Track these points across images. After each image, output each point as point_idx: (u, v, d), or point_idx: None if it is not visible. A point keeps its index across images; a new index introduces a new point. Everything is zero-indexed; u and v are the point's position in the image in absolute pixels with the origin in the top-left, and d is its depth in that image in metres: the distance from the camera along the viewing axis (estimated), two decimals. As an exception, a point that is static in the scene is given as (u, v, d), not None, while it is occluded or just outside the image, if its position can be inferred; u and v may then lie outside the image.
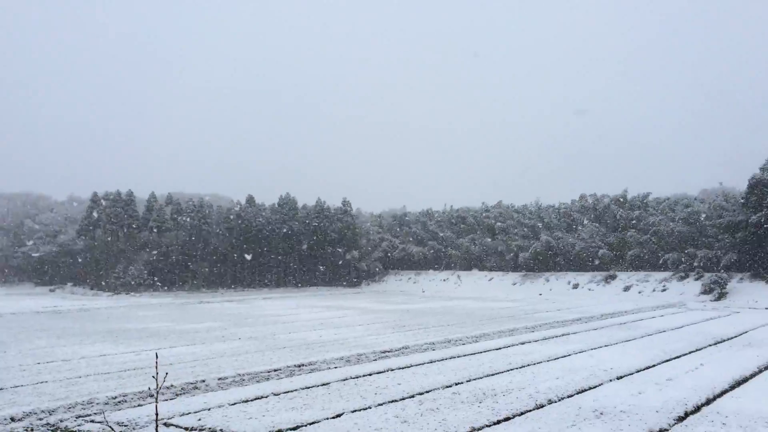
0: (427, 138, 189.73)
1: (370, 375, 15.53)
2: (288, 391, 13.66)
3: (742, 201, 45.53)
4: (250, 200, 69.13)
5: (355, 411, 11.84)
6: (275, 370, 16.46)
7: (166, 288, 61.45)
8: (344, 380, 14.90)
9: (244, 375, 15.77)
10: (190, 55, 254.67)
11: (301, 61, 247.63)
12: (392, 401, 12.63)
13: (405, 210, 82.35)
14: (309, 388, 14.06)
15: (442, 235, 69.92)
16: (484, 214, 70.79)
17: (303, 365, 17.24)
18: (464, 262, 65.57)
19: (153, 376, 10.17)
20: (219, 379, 15.30)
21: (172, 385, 14.21)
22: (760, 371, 15.70)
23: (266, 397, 13.17)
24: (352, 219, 70.16)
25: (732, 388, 13.69)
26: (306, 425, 10.89)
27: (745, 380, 14.53)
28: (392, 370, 16.22)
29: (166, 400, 12.86)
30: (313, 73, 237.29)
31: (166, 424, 10.97)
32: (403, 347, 20.50)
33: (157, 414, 7.28)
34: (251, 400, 12.86)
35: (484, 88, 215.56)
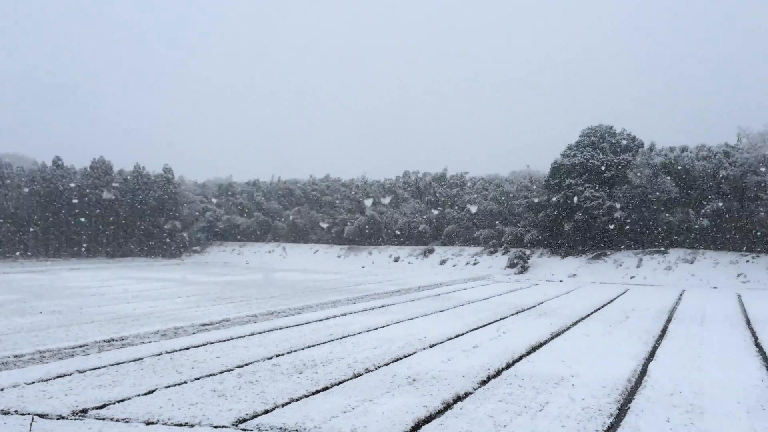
0: (252, 106, 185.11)
1: (187, 349, 15.02)
2: (95, 368, 12.80)
3: (544, 183, 50.06)
4: (57, 162, 63.10)
5: (170, 386, 11.39)
6: (81, 346, 15.34)
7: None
8: (159, 355, 14.26)
9: (44, 352, 14.52)
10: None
11: (112, 6, 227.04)
12: (210, 375, 12.33)
13: (231, 180, 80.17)
14: (119, 364, 13.28)
15: (268, 206, 69.16)
16: (311, 187, 71.07)
17: (113, 340, 16.25)
18: (290, 235, 65.50)
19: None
20: (15, 356, 13.94)
21: (-44, 366, 12.71)
22: (553, 337, 17.46)
23: (70, 374, 12.23)
24: (174, 187, 66.87)
25: (528, 353, 15.08)
26: (114, 403, 10.29)
27: (539, 346, 16.08)
28: (211, 343, 15.83)
29: (-52, 382, 11.47)
30: (126, 23, 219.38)
31: (-54, 409, 9.79)
32: (223, 320, 20.07)
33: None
34: (52, 379, 11.87)
35: (325, 61, 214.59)
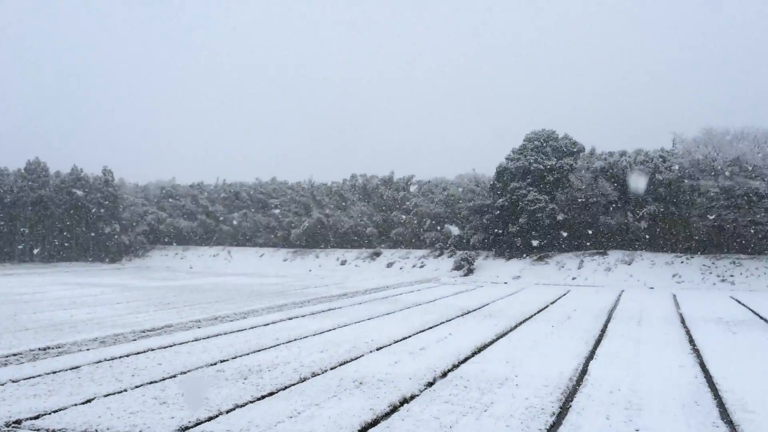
0: (195, 107, 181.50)
1: (127, 356, 14.60)
2: (30, 377, 12.31)
3: (490, 186, 50.86)
4: (-10, 163, 60.58)
5: (109, 395, 11.05)
6: (15, 355, 14.73)
7: None
8: (98, 363, 13.82)
9: (-26, 362, 13.87)
10: None
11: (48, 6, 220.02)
12: (151, 382, 12.01)
13: (174, 182, 78.33)
14: (56, 372, 12.80)
15: (213, 209, 67.99)
16: (257, 190, 70.23)
17: (49, 348, 15.66)
18: (236, 238, 64.58)
19: None
20: (-59, 367, 13.28)
21: None
22: (498, 338, 17.72)
23: (3, 384, 11.73)
24: (113, 189, 64.99)
25: (474, 354, 15.27)
26: (50, 413, 9.91)
27: (485, 347, 16.30)
28: (153, 350, 15.43)
29: None
30: (63, 22, 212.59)
31: None
32: (166, 326, 19.61)
33: None
34: (-18, 390, 11.35)
35: (269, 62, 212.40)
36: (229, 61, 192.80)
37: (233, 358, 14.44)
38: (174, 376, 12.53)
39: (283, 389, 11.58)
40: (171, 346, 16.00)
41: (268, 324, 20.13)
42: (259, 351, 15.38)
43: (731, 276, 38.95)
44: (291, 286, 36.65)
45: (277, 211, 64.08)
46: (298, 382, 12.11)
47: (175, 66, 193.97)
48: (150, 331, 18.63)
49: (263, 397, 11.05)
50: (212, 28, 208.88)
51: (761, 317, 23.00)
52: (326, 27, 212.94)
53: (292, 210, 63.98)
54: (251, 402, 10.71)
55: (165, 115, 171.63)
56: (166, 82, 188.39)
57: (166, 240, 66.84)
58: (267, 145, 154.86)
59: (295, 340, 17.05)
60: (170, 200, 71.68)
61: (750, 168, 40.92)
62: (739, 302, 28.56)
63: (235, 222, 64.67)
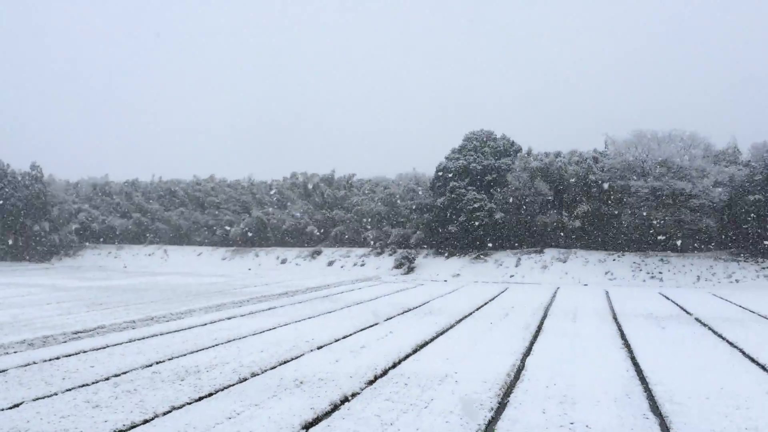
0: (133, 106, 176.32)
1: (57, 359, 14.06)
2: (-50, 383, 11.70)
3: (430, 185, 51.36)
4: None
5: (38, 399, 10.62)
6: (-66, 360, 13.97)
7: None
8: (26, 366, 13.26)
9: None
10: None
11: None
12: (83, 385, 11.60)
13: (107, 179, 75.93)
14: (-21, 377, 12.21)
15: (148, 207, 66.23)
16: (195, 188, 68.80)
17: (-28, 352, 14.92)
18: (173, 237, 63.10)
19: None
20: None
21: None
22: (438, 336, 17.91)
23: None
24: (42, 186, 62.50)
25: (414, 351, 15.39)
26: (-27, 420, 9.44)
27: (425, 344, 16.45)
28: (85, 351, 14.91)
29: None
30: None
31: None
32: (98, 327, 18.97)
33: None
34: None
35: (210, 58, 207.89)
36: (167, 57, 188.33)
37: (169, 359, 14.10)
38: (107, 379, 12.15)
39: (222, 390, 11.39)
40: (104, 347, 15.50)
41: (206, 324, 19.75)
42: (196, 351, 15.07)
43: (660, 273, 40.57)
44: (230, 285, 36.06)
45: (215, 209, 62.95)
46: (237, 383, 11.93)
47: (110, 62, 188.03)
48: (82, 332, 17.98)
49: (201, 398, 10.84)
50: (144, 26, 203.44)
51: (687, 312, 24.03)
52: (273, 25, 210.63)
53: (231, 208, 63.00)
54: (188, 404, 10.48)
55: (98, 111, 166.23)
56: (98, 78, 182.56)
57: (100, 239, 64.72)
58: (205, 142, 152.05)
59: (234, 340, 16.79)
60: (103, 198, 69.45)
61: (677, 169, 42.71)
62: (667, 298, 29.77)
63: (171, 221, 63.16)
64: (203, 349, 15.34)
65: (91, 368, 13.05)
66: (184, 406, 10.35)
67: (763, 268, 39.52)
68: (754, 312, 24.17)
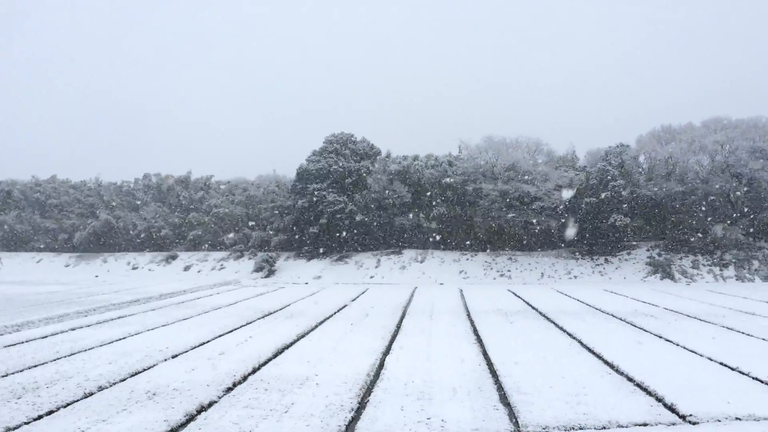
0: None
1: None
2: None
3: (290, 188, 50.97)
4: None
5: None
6: None
7: None
8: None
9: None
10: None
11: None
12: None
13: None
14: None
15: (-21, 210, 60.09)
16: (34, 189, 63.37)
17: None
18: (8, 242, 57.68)
19: None
20: None
21: None
22: (298, 339, 17.80)
23: None
24: None
25: (275, 356, 15.18)
26: None
27: (286, 348, 16.28)
28: None
29: None
30: None
31: None
32: None
33: None
34: None
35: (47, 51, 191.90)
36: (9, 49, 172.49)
37: (4, 376, 12.87)
38: (-74, 403, 10.85)
39: (65, 407, 10.57)
40: (-77, 367, 13.83)
41: (46, 336, 18.24)
42: (35, 366, 13.88)
43: (508, 271, 43.08)
44: (74, 293, 33.56)
45: (58, 212, 58.38)
46: (82, 398, 11.13)
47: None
48: None
49: (41, 416, 10.00)
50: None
51: (533, 307, 25.70)
52: (134, 27, 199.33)
53: (76, 211, 58.75)
54: (26, 423, 9.64)
55: None
56: None
57: None
58: (46, 140, 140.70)
59: (78, 352, 15.64)
60: (-77, 199, 62.05)
61: (523, 173, 45.62)
62: (516, 294, 31.66)
63: (7, 224, 57.76)
64: (43, 364, 14.16)
65: None
66: (21, 426, 9.50)
67: (597, 265, 43.26)
68: (590, 305, 26.32)
